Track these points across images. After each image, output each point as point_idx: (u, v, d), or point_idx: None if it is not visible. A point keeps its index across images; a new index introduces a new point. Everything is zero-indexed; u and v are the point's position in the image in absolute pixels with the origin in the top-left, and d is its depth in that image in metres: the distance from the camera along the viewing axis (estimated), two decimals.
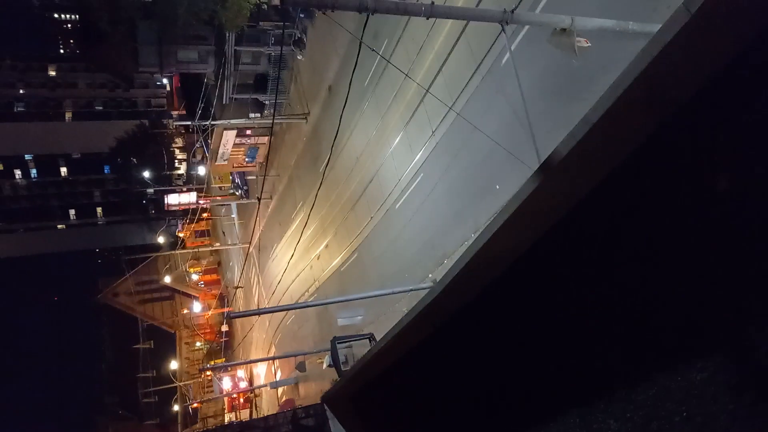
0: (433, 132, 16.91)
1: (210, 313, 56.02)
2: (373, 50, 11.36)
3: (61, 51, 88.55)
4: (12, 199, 73.56)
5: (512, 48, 11.41)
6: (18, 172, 72.41)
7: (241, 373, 47.23)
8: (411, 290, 16.32)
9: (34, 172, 72.90)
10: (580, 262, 5.07)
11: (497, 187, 13.43)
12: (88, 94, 73.46)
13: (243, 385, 45.76)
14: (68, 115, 71.80)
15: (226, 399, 48.58)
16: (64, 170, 73.82)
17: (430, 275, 16.91)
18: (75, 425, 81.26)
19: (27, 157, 71.65)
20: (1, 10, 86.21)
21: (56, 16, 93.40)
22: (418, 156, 18.09)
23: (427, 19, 8.05)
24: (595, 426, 4.79)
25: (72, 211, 77.68)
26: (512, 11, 7.89)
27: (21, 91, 72.18)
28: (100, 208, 78.72)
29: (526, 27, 11.71)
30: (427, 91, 15.09)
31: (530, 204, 5.18)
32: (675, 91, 3.04)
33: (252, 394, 45.40)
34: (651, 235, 4.34)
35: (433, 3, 7.76)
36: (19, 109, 71.60)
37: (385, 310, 18.54)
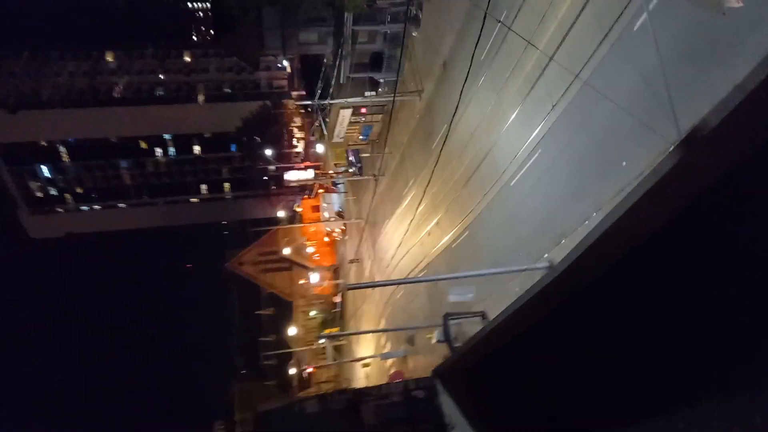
0: (553, 106, 16.21)
1: (326, 284, 58.71)
2: (499, 21, 11.08)
3: (194, 38, 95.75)
4: (154, 175, 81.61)
5: (649, 8, 10.60)
6: (159, 151, 80.00)
7: None
8: (526, 270, 15.98)
9: (172, 150, 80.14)
10: (727, 243, 4.69)
11: (624, 163, 12.62)
12: (218, 78, 79.00)
13: None
14: (201, 98, 77.79)
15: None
16: (197, 149, 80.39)
17: (546, 255, 16.40)
18: (207, 382, 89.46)
19: (166, 136, 78.86)
20: (142, 2, 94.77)
21: (189, 5, 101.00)
22: (536, 131, 17.47)
23: None
24: (740, 417, 4.45)
25: (203, 187, 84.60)
26: None
27: (161, 77, 79.26)
28: (228, 184, 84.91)
29: None
30: (551, 59, 14.46)
31: (669, 180, 4.88)
32: None
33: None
34: None
35: None
36: (159, 93, 78.75)
37: (497, 288, 18.32)
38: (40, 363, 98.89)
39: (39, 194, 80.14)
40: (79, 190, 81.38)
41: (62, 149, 77.07)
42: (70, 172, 79.38)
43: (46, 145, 76.34)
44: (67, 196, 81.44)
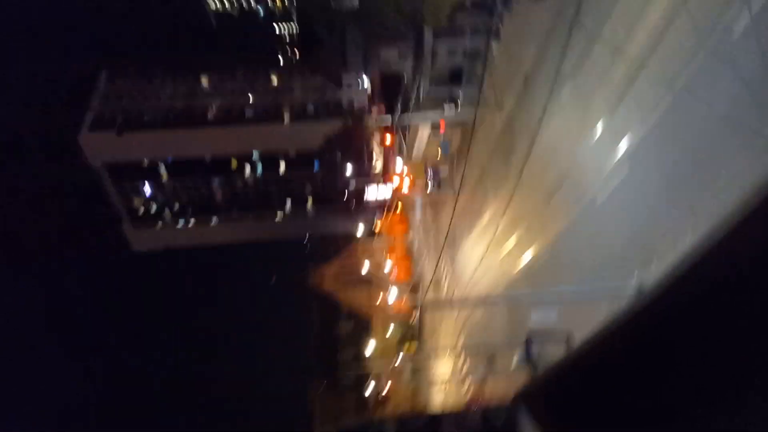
0: (643, 118, 15.33)
1: (404, 301, 58.65)
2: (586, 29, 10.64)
3: (281, 60, 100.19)
4: (243, 192, 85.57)
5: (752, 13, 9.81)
6: (248, 169, 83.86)
7: None
8: (614, 290, 15.09)
9: (259, 168, 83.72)
10: None
11: (723, 173, 11.66)
12: (302, 98, 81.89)
13: None
14: (286, 118, 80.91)
15: None
16: (282, 166, 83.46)
17: (634, 275, 15.41)
18: (286, 397, 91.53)
19: (254, 155, 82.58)
20: (235, 28, 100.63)
21: (276, 27, 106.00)
22: (626, 144, 16.56)
23: None
24: None
25: (288, 203, 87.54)
26: None
27: (250, 98, 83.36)
28: (310, 200, 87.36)
29: None
30: (641, 69, 13.70)
31: None
32: None
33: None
34: None
35: None
36: (248, 114, 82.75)
37: (583, 310, 17.40)
38: (139, 359, 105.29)
39: (141, 210, 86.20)
40: (176, 207, 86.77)
41: (162, 168, 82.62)
42: (169, 189, 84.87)
43: (147, 164, 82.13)
44: (166, 211, 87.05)
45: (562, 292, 16.96)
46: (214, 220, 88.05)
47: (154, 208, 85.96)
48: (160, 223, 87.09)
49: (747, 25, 10.76)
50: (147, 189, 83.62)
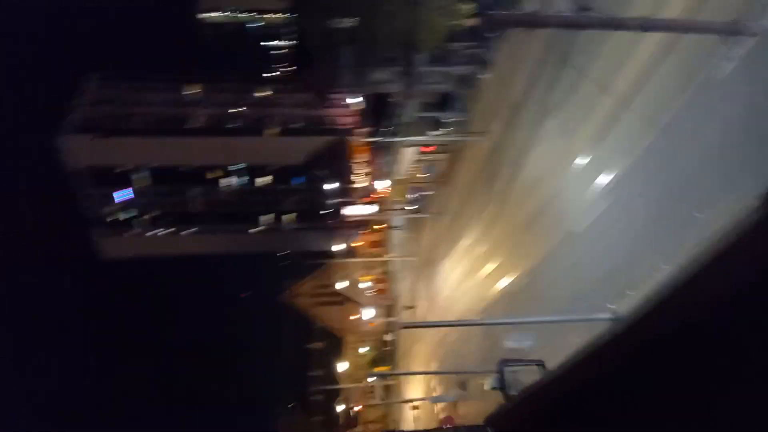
0: (625, 154, 15.80)
1: (378, 321, 58.43)
2: (576, 69, 11.00)
3: (270, 74, 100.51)
4: (222, 203, 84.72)
5: (734, 56, 10.25)
6: (229, 180, 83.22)
7: None
8: (587, 320, 15.32)
9: (241, 180, 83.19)
10: None
11: (697, 215, 12.07)
12: (289, 113, 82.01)
13: None
14: (272, 131, 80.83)
15: None
16: (264, 180, 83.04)
17: (609, 305, 15.70)
18: (250, 412, 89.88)
19: (237, 166, 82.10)
20: (223, 41, 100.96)
21: (263, 43, 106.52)
22: (607, 179, 17.02)
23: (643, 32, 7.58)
24: None
25: (267, 217, 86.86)
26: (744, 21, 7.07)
27: (237, 110, 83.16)
28: (290, 215, 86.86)
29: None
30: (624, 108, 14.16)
31: (753, 238, 4.47)
32: None
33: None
34: None
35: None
36: (234, 125, 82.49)
37: (557, 337, 17.59)
38: (97, 375, 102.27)
39: (115, 217, 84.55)
40: (153, 215, 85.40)
41: (141, 175, 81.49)
42: (147, 197, 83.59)
43: (127, 169, 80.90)
44: (142, 219, 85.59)
45: (538, 319, 17.15)
46: (190, 229, 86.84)
47: (129, 215, 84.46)
48: (132, 230, 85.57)
49: (733, 69, 11.24)
50: (122, 195, 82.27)
